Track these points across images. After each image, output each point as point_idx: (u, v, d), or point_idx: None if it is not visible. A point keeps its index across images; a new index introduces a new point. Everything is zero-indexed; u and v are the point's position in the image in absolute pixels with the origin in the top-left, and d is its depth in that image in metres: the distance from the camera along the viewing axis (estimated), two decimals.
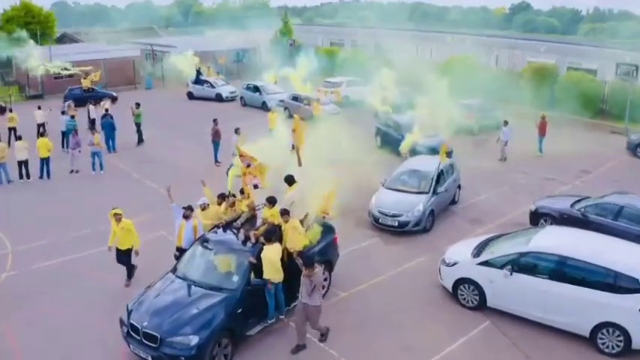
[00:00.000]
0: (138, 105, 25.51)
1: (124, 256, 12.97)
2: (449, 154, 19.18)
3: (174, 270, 11.37)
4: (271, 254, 10.76)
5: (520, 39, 37.24)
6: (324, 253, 12.33)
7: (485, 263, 11.81)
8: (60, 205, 18.25)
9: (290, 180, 12.64)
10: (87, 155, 21.35)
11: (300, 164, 13.36)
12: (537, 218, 15.75)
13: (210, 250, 11.52)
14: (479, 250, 12.34)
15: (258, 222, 12.03)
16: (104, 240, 13.53)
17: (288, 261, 11.12)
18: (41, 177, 20.70)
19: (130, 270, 13.15)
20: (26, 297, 12.66)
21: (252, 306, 10.69)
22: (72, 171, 21.38)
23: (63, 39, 58.44)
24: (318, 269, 10.43)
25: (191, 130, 27.70)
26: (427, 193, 16.19)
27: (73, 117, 24.69)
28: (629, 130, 26.97)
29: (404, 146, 20.30)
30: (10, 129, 25.34)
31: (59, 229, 16.11)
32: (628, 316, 10.19)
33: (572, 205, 15.19)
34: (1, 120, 27.62)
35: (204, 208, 12.77)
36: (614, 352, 10.47)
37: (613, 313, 10.32)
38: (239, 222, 12.05)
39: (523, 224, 16.21)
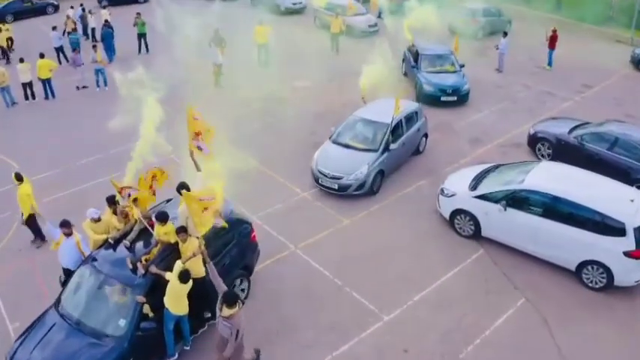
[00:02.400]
0: (138, 14, 24.90)
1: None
2: (461, 66, 20.13)
3: (57, 302, 9.39)
4: (177, 286, 8.82)
5: None
6: (239, 258, 10.67)
7: (482, 197, 12.41)
8: (66, 128, 18.52)
9: (184, 189, 9.86)
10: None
11: (198, 169, 10.67)
12: (535, 142, 16.15)
13: (96, 277, 9.29)
14: (476, 183, 12.89)
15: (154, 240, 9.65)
16: (113, 166, 14.06)
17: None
18: (46, 97, 20.76)
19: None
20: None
21: (147, 350, 8.90)
22: (78, 87, 21.40)
23: None
24: (238, 311, 8.06)
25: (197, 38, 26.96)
26: (376, 151, 14.33)
27: (74, 30, 24.28)
28: (634, 40, 26.51)
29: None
30: (7, 39, 25.17)
31: (69, 156, 16.48)
32: (612, 257, 10.95)
33: (569, 132, 15.52)
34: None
35: (97, 220, 10.28)
36: (597, 287, 11.34)
37: (598, 253, 11.08)
38: (129, 239, 9.71)
39: (521, 145, 16.73)
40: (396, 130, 14.83)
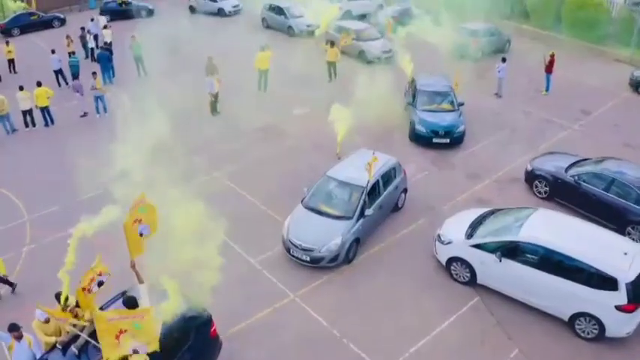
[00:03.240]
0: (133, 37, 24.89)
1: None
2: (460, 104, 19.58)
3: None
4: None
5: None
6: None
7: (478, 246, 12.57)
8: (67, 159, 18.49)
9: (131, 303, 9.41)
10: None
11: (140, 281, 10.03)
12: (532, 179, 16.27)
13: None
14: (472, 230, 13.04)
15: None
16: (107, 204, 14.18)
17: None
18: (46, 125, 20.89)
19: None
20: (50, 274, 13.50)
21: None
22: (81, 115, 21.52)
23: None
24: None
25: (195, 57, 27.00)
26: (350, 218, 13.40)
27: (73, 53, 24.40)
28: (633, 59, 26.53)
29: None
30: (9, 60, 25.35)
31: (69, 192, 16.43)
32: (604, 310, 11.16)
33: (566, 170, 15.63)
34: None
35: (47, 321, 9.87)
36: (589, 337, 11.56)
37: (591, 306, 11.29)
38: (77, 346, 9.24)
39: (519, 180, 16.86)
40: (372, 192, 13.89)
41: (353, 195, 13.80)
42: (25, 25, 33.04)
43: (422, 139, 18.80)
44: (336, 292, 12.87)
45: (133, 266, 9.95)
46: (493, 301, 12.57)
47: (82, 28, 27.69)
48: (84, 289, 9.43)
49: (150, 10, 34.91)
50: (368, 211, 13.58)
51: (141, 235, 10.01)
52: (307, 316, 12.22)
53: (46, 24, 33.69)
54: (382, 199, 14.31)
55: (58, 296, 9.94)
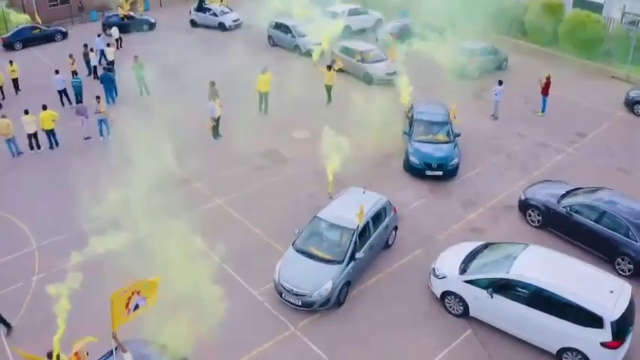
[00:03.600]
0: (136, 58, 25.33)
1: None
2: (456, 135, 19.50)
3: None
4: None
5: None
6: None
7: (470, 282, 13.06)
8: (72, 184, 18.72)
9: None
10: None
11: (123, 350, 10.34)
12: (526, 208, 16.72)
13: None
14: (465, 266, 13.52)
15: None
16: (119, 233, 14.48)
17: None
18: (51, 147, 21.34)
19: None
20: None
21: None
22: (87, 137, 21.94)
23: None
24: None
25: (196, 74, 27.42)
26: (341, 262, 13.50)
27: (76, 73, 24.84)
28: (630, 75, 26.92)
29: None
30: (13, 80, 25.73)
31: (75, 219, 16.66)
32: (589, 346, 11.69)
33: (559, 201, 16.07)
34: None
35: None
36: None
37: (577, 342, 11.82)
38: None
39: (512, 208, 17.30)
40: (362, 234, 14.04)
41: (343, 238, 13.93)
42: (28, 38, 33.35)
43: (415, 171, 18.84)
44: (335, 325, 13.34)
45: (114, 337, 10.23)
46: (485, 334, 13.06)
47: (85, 45, 28.09)
48: (76, 354, 10.09)
49: (152, 24, 35.34)
50: (359, 254, 13.72)
51: (137, 307, 10.36)
52: (307, 350, 12.69)
53: (48, 38, 34.06)
54: (373, 240, 14.44)
55: (49, 355, 10.35)
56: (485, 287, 12.79)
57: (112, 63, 27.41)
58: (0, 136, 20.62)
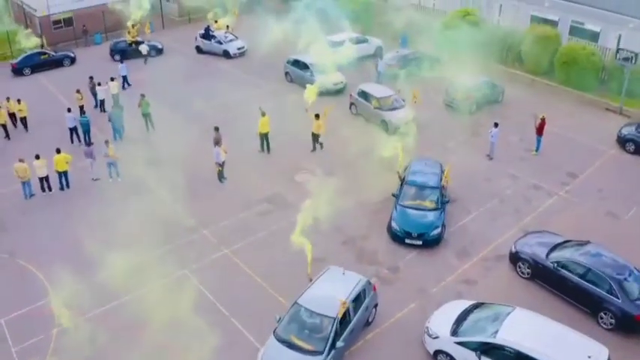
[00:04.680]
0: (143, 96, 26.16)
1: None
2: (444, 203, 19.32)
3: None
4: None
5: None
6: None
7: (461, 343, 13.97)
8: (83, 229, 19.14)
9: None
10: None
11: None
12: (516, 260, 17.56)
13: None
14: (456, 327, 14.43)
15: None
16: (131, 284, 15.80)
17: None
18: (62, 189, 22.23)
19: None
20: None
21: None
22: (96, 179, 22.81)
23: None
24: None
25: (200, 108, 28.15)
26: (321, 353, 13.50)
27: (83, 111, 25.75)
28: (623, 108, 27.65)
29: None
30: (21, 118, 26.38)
31: (89, 267, 17.53)
32: None
33: (547, 255, 16.91)
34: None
35: None
36: None
37: None
38: None
39: (504, 258, 18.13)
40: (343, 319, 14.06)
41: (323, 326, 13.94)
42: (36, 64, 34.35)
43: (395, 237, 18.64)
44: None
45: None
46: None
47: (91, 78, 28.85)
48: None
49: (159, 50, 36.11)
50: (339, 343, 13.73)
51: None
52: None
53: (57, 63, 35.03)
54: (354, 324, 14.52)
55: None
56: (474, 349, 13.72)
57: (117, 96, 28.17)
58: (17, 178, 21.54)
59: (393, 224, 18.79)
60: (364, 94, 27.08)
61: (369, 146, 22.10)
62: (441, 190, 19.54)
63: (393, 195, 19.98)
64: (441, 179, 19.92)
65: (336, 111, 25.99)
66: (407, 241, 18.47)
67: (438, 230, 18.49)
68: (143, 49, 34.01)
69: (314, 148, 24.35)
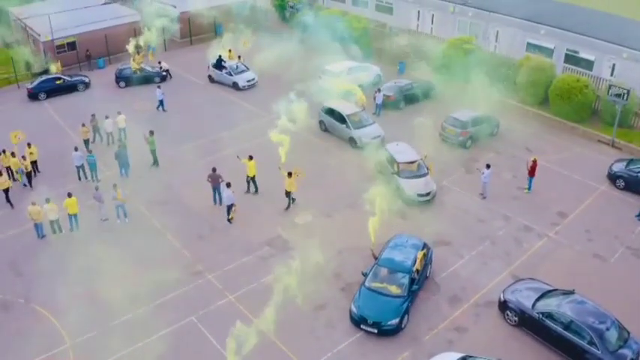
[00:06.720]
0: (152, 133, 27.09)
1: None
2: (413, 291, 18.29)
3: None
4: None
5: (521, 19, 36.45)
6: None
7: None
8: (94, 272, 20.24)
9: None
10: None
11: None
12: (505, 309, 18.53)
13: None
14: None
15: None
16: (140, 332, 16.76)
17: None
18: (71, 229, 23.18)
19: None
20: None
21: None
22: (104, 219, 23.69)
23: None
24: None
25: (202, 144, 29.25)
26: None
27: (89, 150, 26.73)
28: (615, 140, 28.48)
29: None
30: (32, 162, 26.69)
31: (102, 312, 18.54)
32: None
33: (533, 306, 17.86)
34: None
35: None
36: None
37: None
38: None
39: (493, 305, 19.02)
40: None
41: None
42: (52, 89, 35.22)
43: (353, 321, 17.88)
44: None
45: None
46: None
47: (93, 116, 29.37)
48: None
49: (163, 77, 36.90)
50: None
51: None
52: None
53: (71, 88, 35.83)
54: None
55: None
56: None
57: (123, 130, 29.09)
58: (30, 220, 22.51)
59: (352, 306, 18.03)
60: (390, 159, 25.45)
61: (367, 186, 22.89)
62: (411, 275, 18.35)
63: (363, 274, 19.07)
64: (415, 262, 18.71)
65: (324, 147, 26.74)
66: (362, 326, 17.63)
67: (396, 321, 17.40)
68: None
69: (288, 207, 23.95)
